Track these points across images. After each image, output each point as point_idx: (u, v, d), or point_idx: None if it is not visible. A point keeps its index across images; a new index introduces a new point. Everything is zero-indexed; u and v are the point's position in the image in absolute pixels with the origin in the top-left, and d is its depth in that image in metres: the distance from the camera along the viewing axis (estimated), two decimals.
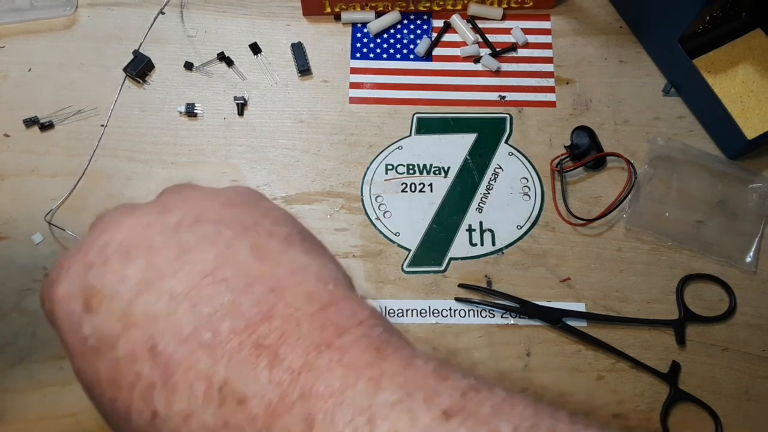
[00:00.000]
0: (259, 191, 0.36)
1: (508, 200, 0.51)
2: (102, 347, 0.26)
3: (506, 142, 0.53)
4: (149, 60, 0.54)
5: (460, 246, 0.50)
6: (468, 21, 0.56)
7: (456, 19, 0.56)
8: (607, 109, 0.54)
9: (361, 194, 0.51)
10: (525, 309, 0.47)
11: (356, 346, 0.25)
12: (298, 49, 0.55)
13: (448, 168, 0.52)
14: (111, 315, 0.26)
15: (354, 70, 0.55)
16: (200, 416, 0.24)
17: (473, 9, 0.56)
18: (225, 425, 0.24)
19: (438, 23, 0.56)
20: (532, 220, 0.51)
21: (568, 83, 0.55)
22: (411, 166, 0.52)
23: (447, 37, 0.56)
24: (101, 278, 0.27)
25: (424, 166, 0.52)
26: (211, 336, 0.25)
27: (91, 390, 0.27)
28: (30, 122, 0.52)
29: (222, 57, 0.54)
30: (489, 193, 0.51)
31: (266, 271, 0.27)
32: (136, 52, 0.54)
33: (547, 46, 0.56)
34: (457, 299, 0.48)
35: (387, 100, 0.54)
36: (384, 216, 0.50)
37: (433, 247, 0.50)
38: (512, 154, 0.52)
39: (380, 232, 0.50)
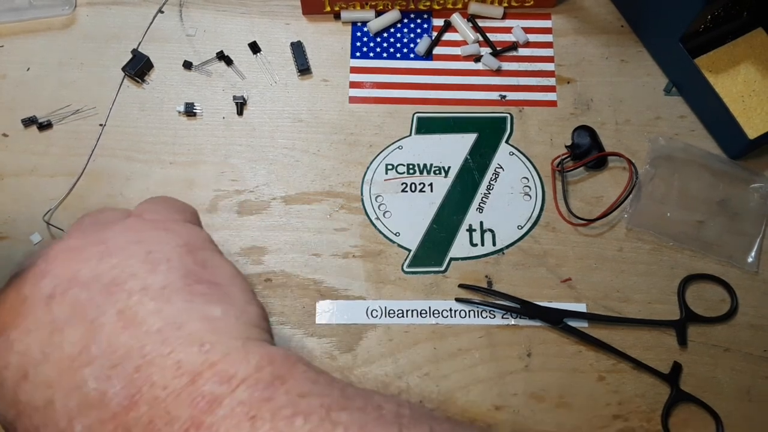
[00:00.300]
0: (159, 212, 0.34)
1: (508, 200, 0.51)
2: (8, 427, 0.27)
3: (507, 141, 0.53)
4: (148, 59, 0.53)
5: (460, 246, 0.49)
6: (468, 20, 0.56)
7: (456, 18, 0.56)
8: (608, 108, 0.53)
9: (361, 194, 0.51)
10: (526, 309, 0.47)
11: (229, 419, 0.24)
12: (297, 48, 0.54)
13: (449, 168, 0.52)
14: (4, 401, 0.27)
15: (354, 70, 0.55)
16: None
17: (474, 8, 0.56)
18: None
19: (438, 22, 0.56)
20: (532, 220, 0.50)
21: (569, 82, 0.54)
22: (411, 166, 0.52)
23: (447, 36, 0.56)
24: None
25: (425, 165, 0.52)
26: (81, 429, 0.24)
27: None
28: (28, 122, 0.51)
29: (221, 56, 0.54)
30: (489, 193, 0.51)
31: (133, 344, 0.26)
32: (134, 52, 0.54)
33: (548, 45, 0.56)
34: (458, 300, 0.48)
35: (387, 99, 0.54)
36: (384, 216, 0.50)
37: (434, 248, 0.49)
38: (513, 153, 0.52)
39: (380, 232, 0.50)
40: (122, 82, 0.53)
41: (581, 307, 0.48)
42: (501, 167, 0.52)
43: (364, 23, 0.56)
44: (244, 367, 0.25)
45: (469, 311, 0.48)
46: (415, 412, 0.27)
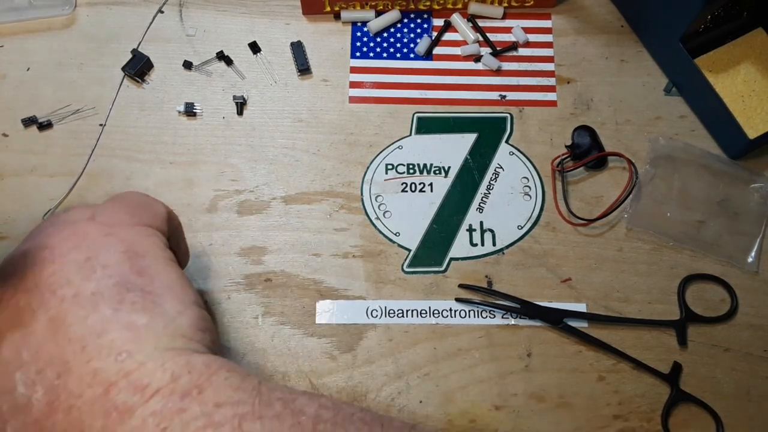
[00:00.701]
0: (113, 214, 0.33)
1: (508, 200, 0.51)
2: None
3: (507, 141, 0.53)
4: (148, 59, 0.53)
5: (460, 246, 0.49)
6: (468, 20, 0.56)
7: (456, 18, 0.56)
8: (608, 108, 0.53)
9: (361, 194, 0.51)
10: (526, 309, 0.47)
11: (139, 431, 0.24)
12: (297, 48, 0.54)
13: (449, 168, 0.52)
14: None
15: (354, 69, 0.55)
16: None
17: (474, 8, 0.56)
18: None
19: (438, 22, 0.56)
20: (532, 220, 0.50)
21: (569, 82, 0.54)
22: (411, 166, 0.52)
23: (447, 36, 0.56)
24: None
25: (425, 165, 0.52)
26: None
27: None
28: (28, 122, 0.51)
29: (221, 56, 0.54)
30: (489, 193, 0.51)
31: (56, 350, 0.26)
32: (134, 51, 0.54)
33: (548, 45, 0.56)
34: (458, 300, 0.48)
35: (387, 99, 0.54)
36: (384, 216, 0.50)
37: (434, 248, 0.49)
38: (513, 153, 0.52)
39: (380, 232, 0.50)
40: (122, 82, 0.53)
41: (581, 307, 0.48)
42: (501, 167, 0.52)
43: (364, 23, 0.56)
44: (160, 376, 0.26)
45: (469, 311, 0.48)
46: (337, 415, 0.27)
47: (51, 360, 0.26)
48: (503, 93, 0.54)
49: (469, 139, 0.53)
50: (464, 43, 0.56)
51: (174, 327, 0.29)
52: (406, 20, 0.56)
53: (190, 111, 0.52)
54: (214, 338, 0.31)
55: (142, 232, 0.33)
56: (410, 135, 0.53)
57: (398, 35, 0.56)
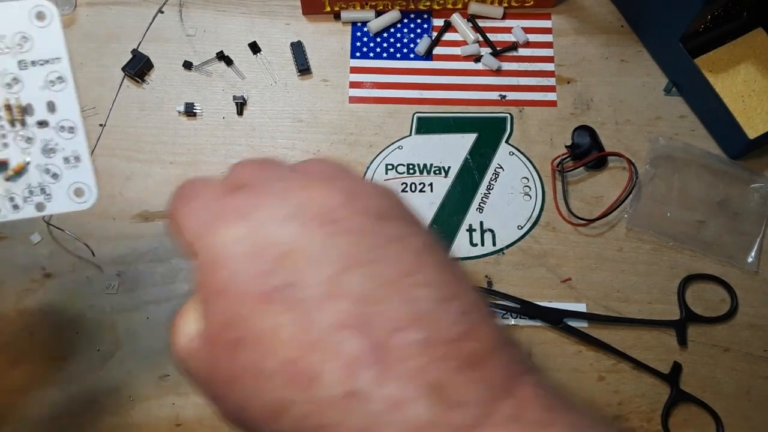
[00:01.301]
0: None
1: (508, 200, 0.51)
2: (217, 395, 0.22)
3: (507, 141, 0.53)
4: (148, 59, 0.53)
5: (460, 246, 0.49)
6: (468, 20, 0.56)
7: (456, 18, 0.56)
8: (608, 108, 0.53)
9: None
10: (526, 309, 0.47)
11: (533, 401, 0.20)
12: (297, 49, 0.54)
13: (449, 168, 0.52)
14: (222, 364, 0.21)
15: (354, 70, 0.55)
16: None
17: (474, 8, 0.56)
18: None
19: (438, 22, 0.56)
20: (532, 220, 0.50)
21: (569, 82, 0.54)
22: (411, 166, 0.52)
23: (447, 36, 0.56)
24: (258, 323, 0.21)
25: (425, 165, 0.52)
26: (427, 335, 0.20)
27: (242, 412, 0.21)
28: None
29: (221, 56, 0.54)
30: (489, 193, 0.51)
31: (455, 291, 0.22)
32: (134, 52, 0.54)
33: (548, 45, 0.56)
34: None
35: (387, 99, 0.54)
36: None
37: None
38: (513, 153, 0.52)
39: None
40: (122, 82, 0.53)
41: (581, 307, 0.48)
42: (501, 167, 0.52)
43: (364, 23, 0.56)
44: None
45: None
46: None
47: (454, 296, 0.22)
48: (503, 93, 0.54)
49: (469, 139, 0.53)
50: (464, 43, 0.56)
51: None
52: (406, 20, 0.56)
53: (190, 111, 0.52)
54: None
55: None
56: (410, 135, 0.53)
57: (398, 35, 0.56)
